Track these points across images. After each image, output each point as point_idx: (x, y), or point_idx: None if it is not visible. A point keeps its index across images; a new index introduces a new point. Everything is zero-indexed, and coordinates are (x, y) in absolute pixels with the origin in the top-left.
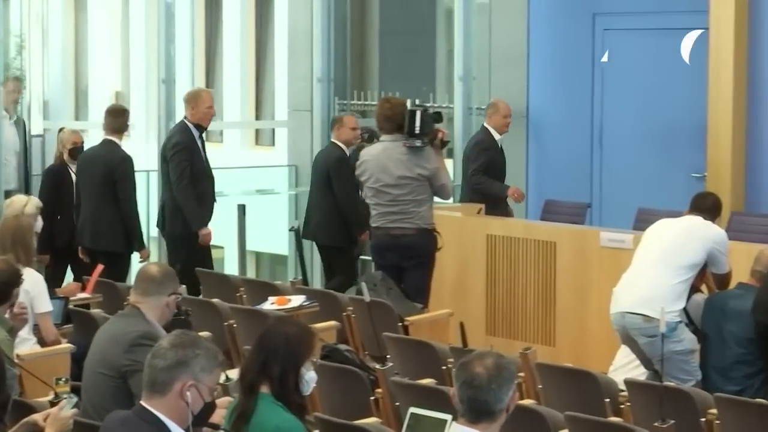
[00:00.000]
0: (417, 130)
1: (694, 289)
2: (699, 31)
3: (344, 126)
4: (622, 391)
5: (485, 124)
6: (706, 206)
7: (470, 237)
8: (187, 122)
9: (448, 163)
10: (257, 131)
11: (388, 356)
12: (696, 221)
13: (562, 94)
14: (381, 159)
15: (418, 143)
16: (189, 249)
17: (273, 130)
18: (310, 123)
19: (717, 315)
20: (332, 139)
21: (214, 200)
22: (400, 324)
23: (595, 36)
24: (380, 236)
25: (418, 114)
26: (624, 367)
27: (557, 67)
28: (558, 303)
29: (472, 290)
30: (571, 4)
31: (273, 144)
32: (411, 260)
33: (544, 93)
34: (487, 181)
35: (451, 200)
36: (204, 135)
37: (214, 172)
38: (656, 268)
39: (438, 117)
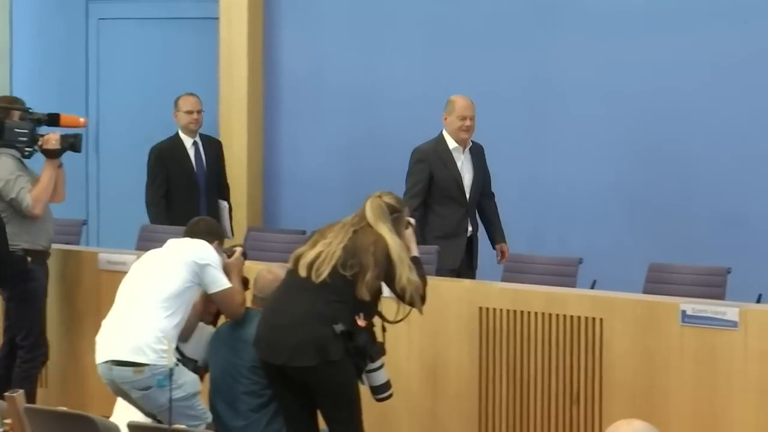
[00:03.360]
0: None
1: (192, 320)
2: None
3: (178, 110)
4: None
5: None
6: (199, 231)
7: None
8: None
9: None
10: None
11: None
12: (177, 243)
13: (53, 93)
14: None
15: None
16: None
17: None
18: None
19: (222, 346)
20: None
21: None
22: None
23: (89, 26)
24: None
25: None
26: (129, 409)
27: (46, 62)
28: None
29: None
30: None
31: None
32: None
33: (30, 91)
34: None
35: None
36: None
37: None
38: (140, 307)
39: (49, 120)
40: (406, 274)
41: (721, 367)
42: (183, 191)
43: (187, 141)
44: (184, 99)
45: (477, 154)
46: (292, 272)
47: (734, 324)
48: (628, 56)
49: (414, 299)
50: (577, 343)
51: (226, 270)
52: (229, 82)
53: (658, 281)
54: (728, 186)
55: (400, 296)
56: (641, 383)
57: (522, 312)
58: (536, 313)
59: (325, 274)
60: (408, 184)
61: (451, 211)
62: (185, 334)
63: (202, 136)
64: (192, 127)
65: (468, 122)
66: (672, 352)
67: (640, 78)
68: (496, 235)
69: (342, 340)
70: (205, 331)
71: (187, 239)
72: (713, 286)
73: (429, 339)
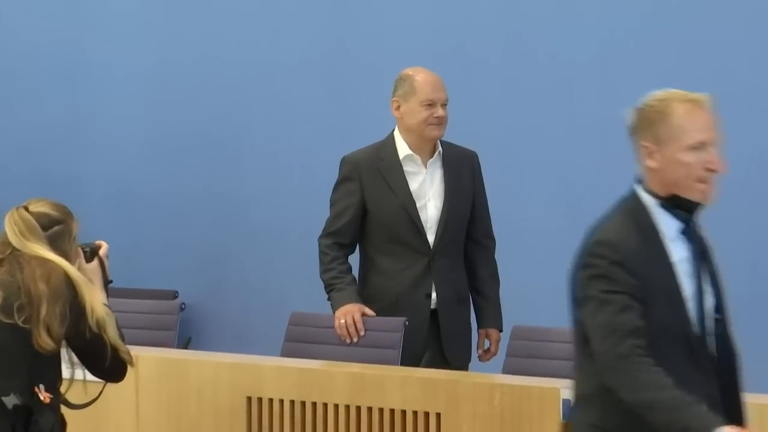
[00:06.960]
0: None
1: None
2: None
3: None
4: None
5: None
6: None
7: None
8: None
9: None
10: None
11: None
12: None
13: None
14: None
15: None
16: None
17: None
18: None
19: None
20: None
21: None
22: None
23: None
24: None
25: None
26: None
27: None
28: None
29: None
30: None
31: None
32: None
33: None
34: None
35: None
36: None
37: None
38: None
39: None
40: (98, 300)
41: None
42: None
43: None
44: None
45: (459, 169)
46: None
47: None
48: None
49: (119, 344)
50: None
51: None
52: None
53: (526, 354)
54: None
55: (97, 343)
56: None
57: (314, 404)
58: (336, 406)
59: None
60: (327, 219)
61: (400, 264)
62: None
63: None
64: None
65: (440, 111)
66: None
67: None
68: (483, 313)
69: (13, 424)
70: None
71: None
72: None
73: None
